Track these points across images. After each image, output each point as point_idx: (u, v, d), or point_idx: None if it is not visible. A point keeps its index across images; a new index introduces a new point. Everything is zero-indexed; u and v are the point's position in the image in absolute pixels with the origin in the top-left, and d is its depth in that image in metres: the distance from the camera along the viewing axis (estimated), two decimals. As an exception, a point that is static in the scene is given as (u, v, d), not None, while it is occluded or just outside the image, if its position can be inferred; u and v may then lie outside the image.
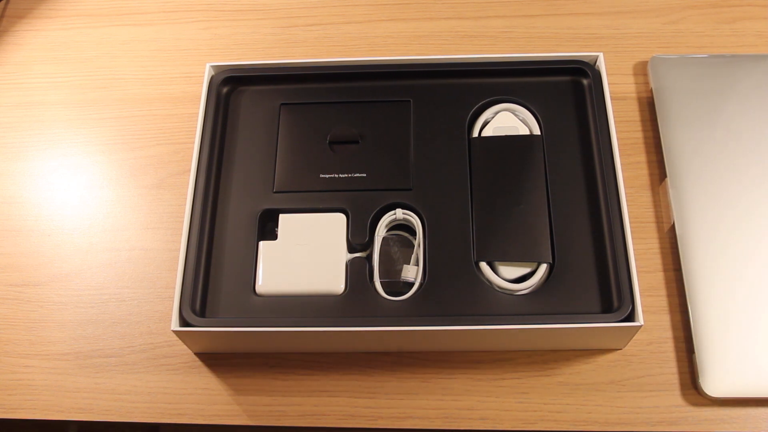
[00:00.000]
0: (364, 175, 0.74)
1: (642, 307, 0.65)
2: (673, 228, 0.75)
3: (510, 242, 0.70)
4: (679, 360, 0.70)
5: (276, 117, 0.79)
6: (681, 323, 0.72)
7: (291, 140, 0.78)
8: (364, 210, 0.72)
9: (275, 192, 0.75)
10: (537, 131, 0.76)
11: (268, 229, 0.74)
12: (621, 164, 0.73)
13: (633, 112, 0.84)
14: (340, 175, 0.75)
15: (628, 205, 0.70)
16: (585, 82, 0.78)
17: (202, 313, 0.69)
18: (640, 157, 0.81)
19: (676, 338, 0.71)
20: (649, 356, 0.71)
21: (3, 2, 0.97)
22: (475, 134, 0.76)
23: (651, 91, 0.84)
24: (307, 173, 0.76)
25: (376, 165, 0.75)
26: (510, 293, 0.69)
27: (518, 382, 0.70)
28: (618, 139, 0.75)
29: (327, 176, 0.76)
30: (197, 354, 0.73)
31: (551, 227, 0.71)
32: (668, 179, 0.77)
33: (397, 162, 0.75)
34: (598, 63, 0.77)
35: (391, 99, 0.79)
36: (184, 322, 0.67)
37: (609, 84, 0.76)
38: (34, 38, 0.94)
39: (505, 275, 0.70)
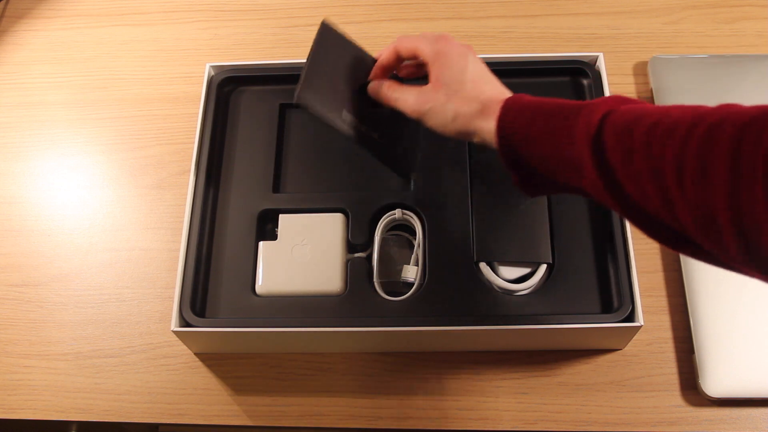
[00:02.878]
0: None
1: (642, 307, 0.65)
2: (673, 228, 0.75)
3: (510, 242, 0.70)
4: (679, 360, 0.70)
5: (276, 117, 0.79)
6: (681, 323, 0.72)
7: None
8: (364, 210, 0.72)
9: (275, 192, 0.75)
10: None
11: (268, 229, 0.74)
12: (621, 164, 0.73)
13: (633, 112, 0.83)
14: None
15: (628, 205, 0.70)
16: (585, 82, 0.78)
17: (202, 314, 0.69)
18: (640, 157, 0.81)
19: (676, 338, 0.71)
20: (649, 356, 0.71)
21: (3, 2, 0.97)
22: (475, 134, 0.76)
23: (651, 91, 0.84)
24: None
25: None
26: (510, 293, 0.69)
27: (518, 382, 0.70)
28: (618, 139, 0.75)
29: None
30: (197, 354, 0.73)
31: (551, 227, 0.71)
32: (668, 179, 0.77)
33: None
34: (598, 63, 0.77)
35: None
36: (184, 323, 0.67)
37: (609, 84, 0.76)
38: (34, 38, 0.94)
39: (505, 275, 0.69)
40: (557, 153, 0.51)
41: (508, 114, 0.54)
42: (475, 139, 0.58)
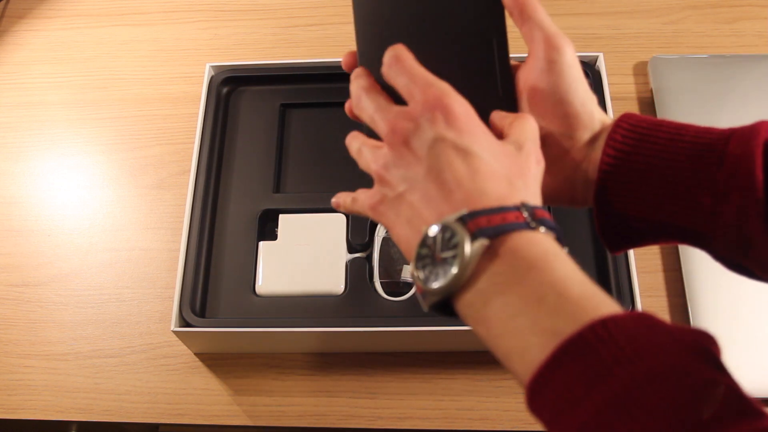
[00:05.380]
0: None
1: (642, 307, 0.65)
2: (673, 228, 0.75)
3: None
4: (679, 360, 0.70)
5: (276, 117, 0.79)
6: (681, 323, 0.72)
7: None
8: (364, 210, 0.72)
9: (275, 192, 0.75)
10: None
11: (268, 229, 0.74)
12: (621, 164, 0.73)
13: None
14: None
15: (628, 205, 0.70)
16: (585, 82, 0.78)
17: (202, 314, 0.69)
18: (640, 157, 0.81)
19: (676, 338, 0.71)
20: (649, 356, 0.70)
21: (3, 2, 0.97)
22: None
23: (651, 91, 0.84)
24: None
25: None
26: (510, 293, 0.69)
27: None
28: (618, 139, 0.75)
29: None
30: (197, 354, 0.73)
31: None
32: (668, 179, 0.77)
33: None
34: (598, 63, 0.77)
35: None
36: (184, 323, 0.67)
37: (609, 84, 0.76)
38: (34, 38, 0.94)
39: (505, 275, 0.69)
40: (683, 178, 0.41)
41: (617, 131, 0.44)
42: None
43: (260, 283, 0.70)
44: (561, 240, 0.38)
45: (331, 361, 0.72)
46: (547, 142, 0.44)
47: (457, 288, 0.36)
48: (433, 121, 0.39)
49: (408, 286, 0.70)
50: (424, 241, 0.38)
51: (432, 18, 0.44)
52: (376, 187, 0.42)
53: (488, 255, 0.36)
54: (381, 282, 0.70)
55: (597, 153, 0.44)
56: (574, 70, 0.43)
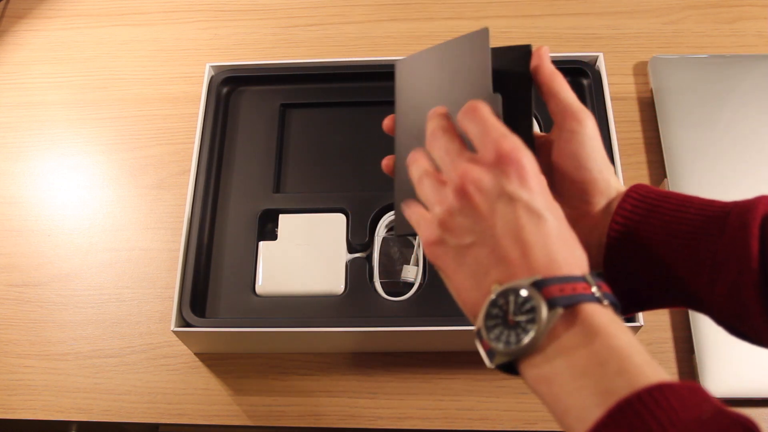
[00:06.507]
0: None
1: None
2: (673, 228, 0.75)
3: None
4: (679, 360, 0.70)
5: (276, 117, 0.79)
6: (681, 323, 0.72)
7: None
8: (364, 210, 0.72)
9: (275, 192, 0.75)
10: (537, 131, 0.76)
11: (268, 229, 0.74)
12: (621, 164, 0.73)
13: (633, 112, 0.84)
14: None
15: (628, 205, 0.70)
16: (585, 82, 0.78)
17: (202, 314, 0.69)
18: (640, 157, 0.81)
19: (676, 338, 0.71)
20: (649, 356, 0.70)
21: (3, 2, 0.97)
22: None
23: (651, 91, 0.84)
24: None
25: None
26: (510, 293, 0.69)
27: (518, 382, 0.69)
28: (618, 139, 0.75)
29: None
30: (197, 354, 0.73)
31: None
32: (668, 179, 0.77)
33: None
34: (598, 63, 0.77)
35: (391, 99, 0.79)
36: (184, 323, 0.67)
37: (609, 84, 0.76)
38: (34, 38, 0.94)
39: (505, 275, 0.69)
40: (687, 248, 0.44)
41: (626, 201, 0.46)
42: None
43: (260, 283, 0.70)
44: (619, 312, 0.39)
45: (331, 361, 0.72)
46: (566, 204, 0.46)
47: (531, 352, 0.38)
48: (507, 176, 0.40)
49: (408, 286, 0.70)
50: (495, 301, 0.39)
51: (467, 91, 0.48)
52: (435, 227, 0.42)
53: (560, 321, 0.38)
54: (381, 282, 0.70)
55: (609, 219, 0.46)
56: (593, 141, 0.47)
